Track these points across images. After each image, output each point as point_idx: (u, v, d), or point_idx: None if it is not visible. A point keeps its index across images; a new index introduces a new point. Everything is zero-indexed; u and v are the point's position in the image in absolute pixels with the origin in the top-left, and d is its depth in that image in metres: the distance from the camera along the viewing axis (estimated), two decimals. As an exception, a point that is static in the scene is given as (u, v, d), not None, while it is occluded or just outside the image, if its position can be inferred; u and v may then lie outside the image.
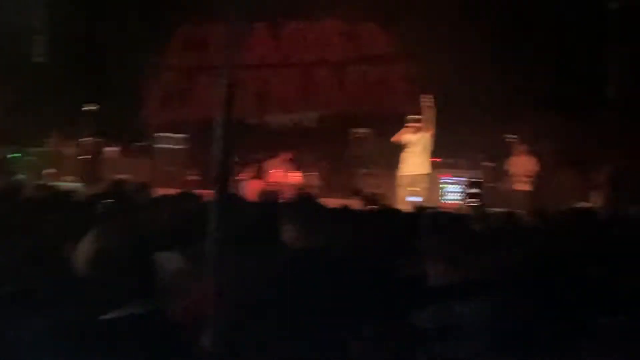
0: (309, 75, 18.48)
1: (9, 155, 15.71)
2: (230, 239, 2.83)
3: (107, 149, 16.10)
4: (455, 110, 16.48)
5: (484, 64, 16.45)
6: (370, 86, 18.38)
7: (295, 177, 15.42)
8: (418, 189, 13.96)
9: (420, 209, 6.73)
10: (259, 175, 15.62)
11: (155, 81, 18.33)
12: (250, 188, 15.03)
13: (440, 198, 15.41)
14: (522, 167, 15.27)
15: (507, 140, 15.63)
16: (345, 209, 6.29)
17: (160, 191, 9.98)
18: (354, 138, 16.95)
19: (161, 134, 16.42)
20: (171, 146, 15.80)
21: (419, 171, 14.01)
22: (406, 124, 14.31)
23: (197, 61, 18.21)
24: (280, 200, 7.64)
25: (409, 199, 13.75)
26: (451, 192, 15.64)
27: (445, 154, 16.16)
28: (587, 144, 14.62)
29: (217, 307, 2.76)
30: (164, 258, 3.64)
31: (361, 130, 16.96)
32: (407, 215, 6.15)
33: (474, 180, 15.19)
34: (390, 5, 17.28)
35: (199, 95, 18.00)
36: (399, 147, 15.14)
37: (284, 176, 15.45)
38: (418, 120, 14.13)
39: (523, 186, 15.17)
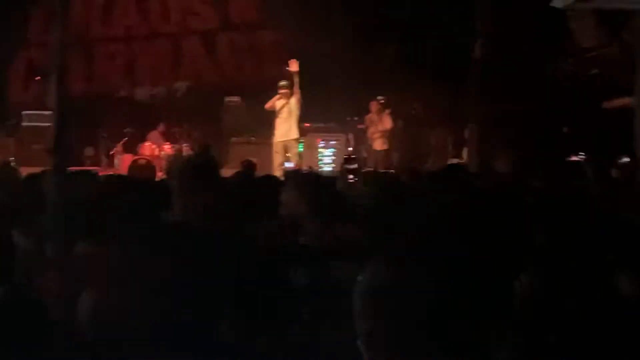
0: (176, 45, 18.28)
1: None
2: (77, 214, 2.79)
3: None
4: (327, 75, 16.70)
5: (352, 28, 16.69)
6: (239, 54, 18.33)
7: (167, 150, 15.27)
8: (290, 154, 14.01)
9: (285, 173, 6.75)
10: (130, 149, 15.38)
11: (17, 59, 17.77)
12: (122, 162, 14.84)
13: (318, 163, 15.58)
14: (380, 126, 15.47)
15: (378, 101, 15.85)
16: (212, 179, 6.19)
17: (27, 170, 9.70)
18: (227, 107, 16.88)
19: (27, 112, 15.93)
20: (38, 124, 15.32)
21: (289, 137, 14.04)
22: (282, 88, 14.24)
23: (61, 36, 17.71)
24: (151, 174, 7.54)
25: (285, 165, 13.83)
26: (327, 156, 15.83)
27: (320, 118, 16.35)
28: (454, 104, 14.99)
29: (65, 285, 2.71)
30: (18, 236, 3.57)
31: (233, 98, 16.89)
32: (273, 180, 6.16)
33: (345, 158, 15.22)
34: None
35: (66, 70, 17.55)
36: (273, 114, 15.23)
37: (157, 149, 15.28)
38: (285, 86, 14.08)
39: (382, 145, 15.38)
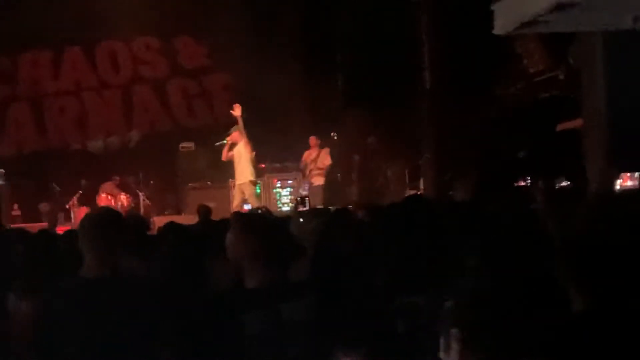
0: (128, 95, 18.21)
1: None
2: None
3: None
4: (280, 114, 16.76)
5: (302, 67, 16.80)
6: (190, 99, 18.31)
7: (123, 200, 15.16)
8: (247, 197, 13.94)
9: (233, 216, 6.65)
10: (86, 202, 15.21)
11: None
12: (77, 216, 14.68)
13: (277, 203, 15.55)
14: (319, 162, 15.42)
15: (333, 137, 15.90)
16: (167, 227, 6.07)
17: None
18: (181, 153, 16.79)
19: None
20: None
21: (243, 179, 13.99)
22: (227, 136, 14.23)
23: (6, 93, 17.62)
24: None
25: (245, 207, 13.77)
26: (285, 195, 15.81)
27: (276, 158, 16.37)
28: (408, 135, 15.04)
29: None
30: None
31: (187, 144, 16.83)
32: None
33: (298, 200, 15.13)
34: (200, 19, 17.35)
35: (11, 128, 17.47)
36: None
37: (113, 200, 15.16)
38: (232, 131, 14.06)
39: (320, 181, 15.37)
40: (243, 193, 13.99)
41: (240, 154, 13.92)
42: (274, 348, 3.52)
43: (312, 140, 15.45)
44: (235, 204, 14.05)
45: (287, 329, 3.55)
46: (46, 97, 17.93)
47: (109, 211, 4.26)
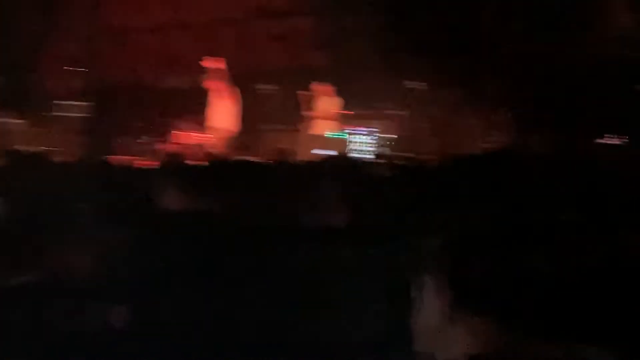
0: (209, 34, 18.27)
1: None
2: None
3: (6, 120, 15.68)
4: (356, 62, 16.66)
5: (383, 11, 16.63)
6: (270, 41, 18.28)
7: (201, 138, 15.28)
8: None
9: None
10: (165, 137, 15.40)
11: (53, 48, 17.86)
12: (157, 151, 14.89)
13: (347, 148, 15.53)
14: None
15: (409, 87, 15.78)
16: (246, 165, 6.13)
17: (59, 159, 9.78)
18: (259, 95, 16.84)
19: (62, 102, 16.03)
20: (73, 114, 15.44)
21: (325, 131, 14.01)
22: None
23: (94, 25, 17.84)
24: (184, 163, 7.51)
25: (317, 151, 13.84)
26: (360, 143, 15.75)
27: (351, 106, 16.31)
28: (485, 87, 14.86)
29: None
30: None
31: (265, 86, 16.85)
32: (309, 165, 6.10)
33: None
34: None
35: (100, 60, 17.67)
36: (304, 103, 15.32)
37: (191, 137, 15.30)
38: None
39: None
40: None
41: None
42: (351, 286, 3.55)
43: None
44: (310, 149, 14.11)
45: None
46: (128, 32, 18.11)
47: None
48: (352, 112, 16.20)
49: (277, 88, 16.87)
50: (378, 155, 13.34)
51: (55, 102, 16.09)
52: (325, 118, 14.32)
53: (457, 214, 4.52)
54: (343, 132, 15.43)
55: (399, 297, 3.54)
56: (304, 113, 14.11)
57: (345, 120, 15.85)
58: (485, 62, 14.31)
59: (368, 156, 15.14)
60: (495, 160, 6.15)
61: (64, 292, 3.31)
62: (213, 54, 18.10)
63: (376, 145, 15.37)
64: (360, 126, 15.82)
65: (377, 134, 15.70)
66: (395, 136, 15.83)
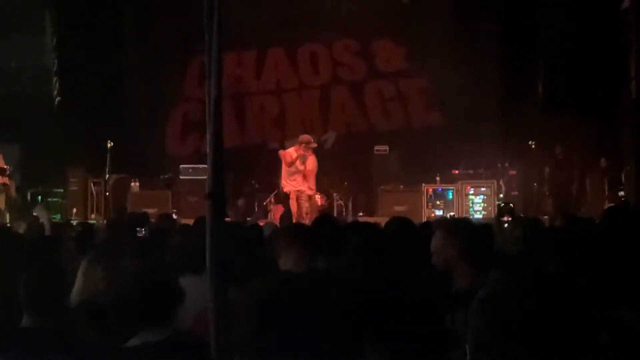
0: (326, 96, 18.56)
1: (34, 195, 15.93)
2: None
3: (132, 184, 16.21)
4: (475, 121, 16.66)
5: (498, 73, 16.64)
6: (386, 102, 18.43)
7: (317, 200, 15.37)
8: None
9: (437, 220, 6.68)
10: (280, 200, 15.56)
11: (174, 113, 18.47)
12: (275, 213, 15.06)
13: (469, 210, 15.39)
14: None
15: (530, 145, 15.59)
16: (357, 226, 6.11)
17: (184, 221, 10.07)
18: (375, 155, 16.95)
19: (183, 166, 16.50)
20: (194, 177, 15.85)
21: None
22: None
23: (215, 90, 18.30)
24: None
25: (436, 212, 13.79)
26: (477, 203, 15.60)
27: (470, 165, 16.25)
28: (608, 144, 14.57)
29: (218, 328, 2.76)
30: (186, 283, 3.70)
31: (381, 147, 16.96)
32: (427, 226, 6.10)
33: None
34: (399, 22, 17.47)
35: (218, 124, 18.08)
36: (420, 163, 15.34)
37: (306, 198, 15.44)
38: None
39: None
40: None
41: None
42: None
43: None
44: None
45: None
46: (248, 95, 18.58)
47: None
48: (471, 172, 16.14)
49: (390, 148, 16.96)
50: (500, 214, 13.15)
51: (180, 165, 16.57)
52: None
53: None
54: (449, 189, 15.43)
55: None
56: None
57: (464, 179, 15.78)
58: (610, 118, 14.08)
59: (479, 215, 15.02)
60: (617, 218, 6.02)
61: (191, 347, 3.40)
62: (328, 115, 18.40)
63: (497, 204, 15.15)
64: (470, 186, 15.69)
65: (496, 193, 15.51)
66: (515, 194, 15.62)
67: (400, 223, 5.30)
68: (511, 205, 13.64)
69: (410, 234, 5.05)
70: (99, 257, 4.54)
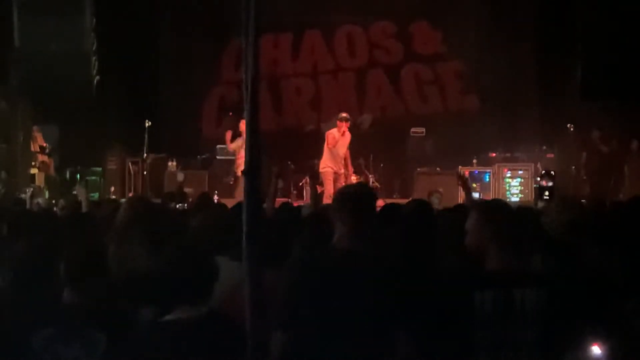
0: (362, 79, 18.54)
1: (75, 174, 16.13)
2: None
3: (170, 163, 16.34)
4: (513, 104, 16.59)
5: (537, 57, 16.52)
6: (423, 85, 18.38)
7: (353, 181, 15.36)
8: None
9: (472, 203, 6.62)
10: (316, 180, 15.59)
11: (211, 96, 18.55)
12: (308, 191, 15.11)
13: (506, 193, 15.32)
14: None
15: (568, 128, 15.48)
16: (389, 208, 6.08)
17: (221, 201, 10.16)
18: (411, 138, 16.94)
19: (220, 146, 16.58)
20: (230, 157, 15.92)
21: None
22: None
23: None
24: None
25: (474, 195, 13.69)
26: (514, 186, 15.52)
27: (506, 148, 16.19)
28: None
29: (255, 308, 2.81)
30: (222, 263, 3.75)
31: (418, 129, 16.95)
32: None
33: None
34: (437, 4, 17.41)
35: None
36: (457, 145, 15.31)
37: (343, 180, 15.47)
38: None
39: None
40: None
41: None
42: (501, 331, 3.54)
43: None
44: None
45: (517, 315, 3.56)
46: (284, 78, 18.62)
47: (365, 187, 4.40)
48: (508, 155, 16.09)
49: (427, 131, 16.95)
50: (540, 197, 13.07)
51: (217, 146, 16.68)
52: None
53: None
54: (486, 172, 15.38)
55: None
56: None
57: (501, 162, 15.71)
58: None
59: (515, 199, 14.94)
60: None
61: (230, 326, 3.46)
62: (364, 98, 18.39)
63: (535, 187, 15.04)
64: (508, 169, 15.59)
65: (533, 177, 15.41)
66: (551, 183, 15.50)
67: (417, 205, 5.29)
68: (552, 172, 13.56)
69: (427, 216, 5.04)
70: (138, 234, 4.61)
